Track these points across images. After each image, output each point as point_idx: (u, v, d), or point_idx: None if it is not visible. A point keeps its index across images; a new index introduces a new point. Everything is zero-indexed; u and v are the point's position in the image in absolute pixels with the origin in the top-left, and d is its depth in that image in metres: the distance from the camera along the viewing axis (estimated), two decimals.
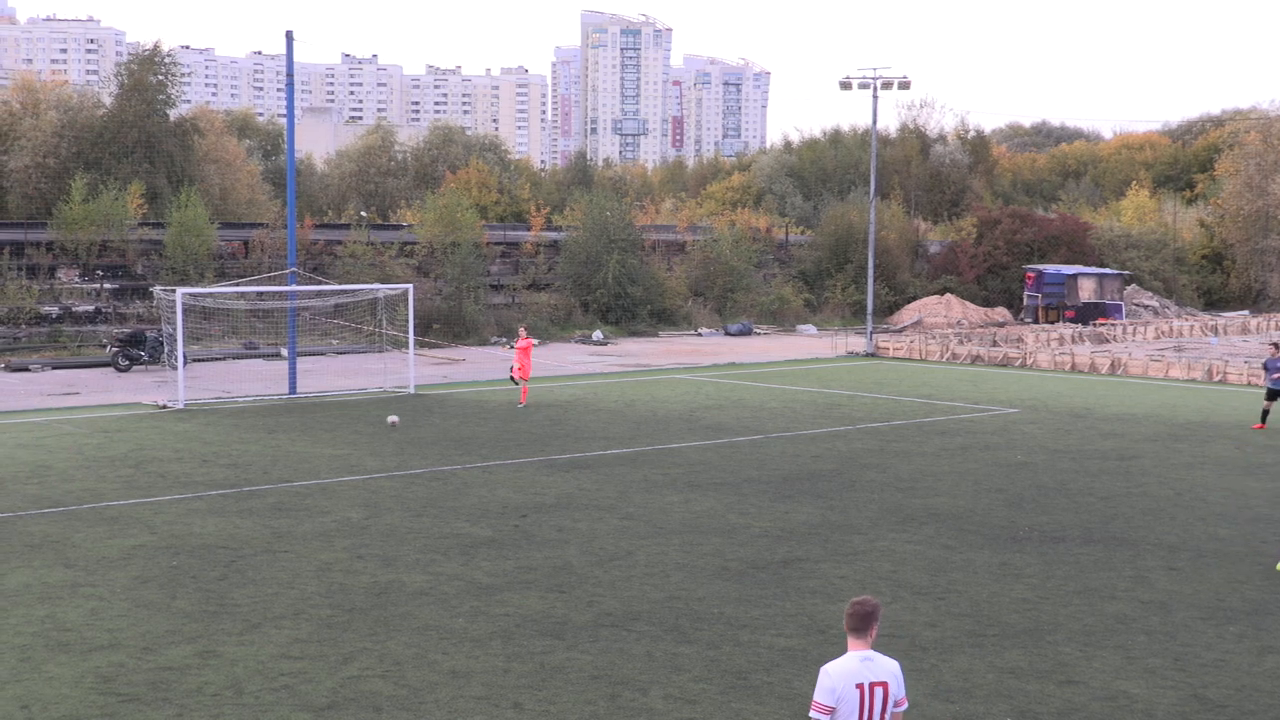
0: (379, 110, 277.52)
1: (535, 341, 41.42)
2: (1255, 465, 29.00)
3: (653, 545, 20.92)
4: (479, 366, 48.76)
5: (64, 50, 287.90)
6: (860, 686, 9.03)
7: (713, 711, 13.79)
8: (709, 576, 19.16)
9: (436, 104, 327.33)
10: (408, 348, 42.13)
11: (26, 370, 46.19)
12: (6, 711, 13.59)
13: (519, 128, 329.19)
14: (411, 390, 40.34)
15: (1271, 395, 34.39)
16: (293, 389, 39.90)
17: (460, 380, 43.64)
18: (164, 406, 36.67)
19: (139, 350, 46.12)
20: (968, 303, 73.53)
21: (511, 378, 38.35)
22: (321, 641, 15.86)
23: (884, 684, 9.12)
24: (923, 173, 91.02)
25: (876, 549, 20.88)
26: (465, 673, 14.83)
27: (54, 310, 52.92)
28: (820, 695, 9.05)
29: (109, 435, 31.86)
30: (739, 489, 25.61)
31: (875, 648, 9.21)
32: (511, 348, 40.15)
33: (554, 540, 21.21)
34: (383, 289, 46.48)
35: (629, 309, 64.84)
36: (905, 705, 9.31)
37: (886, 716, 9.13)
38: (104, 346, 48.79)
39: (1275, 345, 35.36)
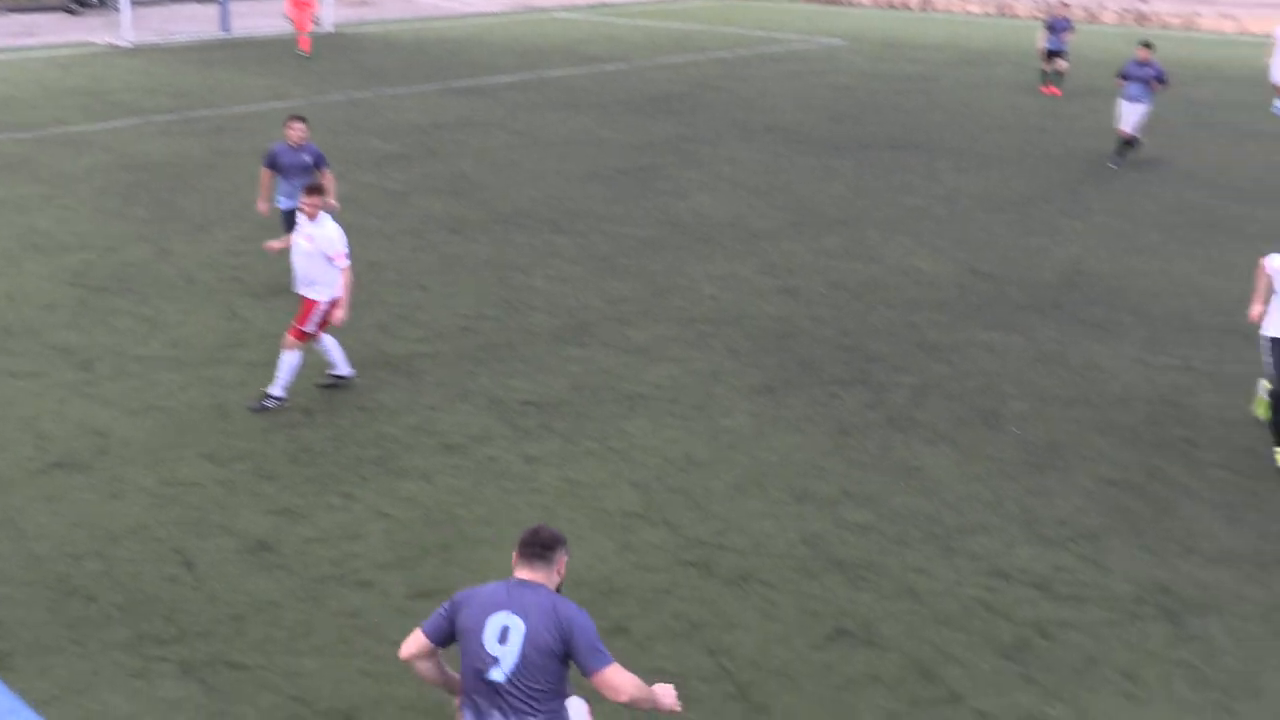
0: None
1: None
2: (1031, 85, 29.06)
3: (535, 156, 20.75)
4: (389, 9, 46.79)
5: None
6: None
7: (583, 287, 14.01)
8: (581, 181, 19.12)
9: None
10: None
11: None
12: None
13: None
14: (331, 29, 38.71)
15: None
16: (224, 27, 38.11)
17: (373, 19, 41.91)
18: (113, 45, 34.93)
19: None
20: None
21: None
22: (259, 240, 15.69)
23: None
24: None
25: (720, 156, 20.90)
26: (381, 263, 14.84)
27: None
28: (343, 246, 10.49)
29: (66, 69, 30.40)
30: (607, 109, 25.28)
31: None
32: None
33: (453, 153, 20.94)
34: None
35: None
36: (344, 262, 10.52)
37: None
38: None
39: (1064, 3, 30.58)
